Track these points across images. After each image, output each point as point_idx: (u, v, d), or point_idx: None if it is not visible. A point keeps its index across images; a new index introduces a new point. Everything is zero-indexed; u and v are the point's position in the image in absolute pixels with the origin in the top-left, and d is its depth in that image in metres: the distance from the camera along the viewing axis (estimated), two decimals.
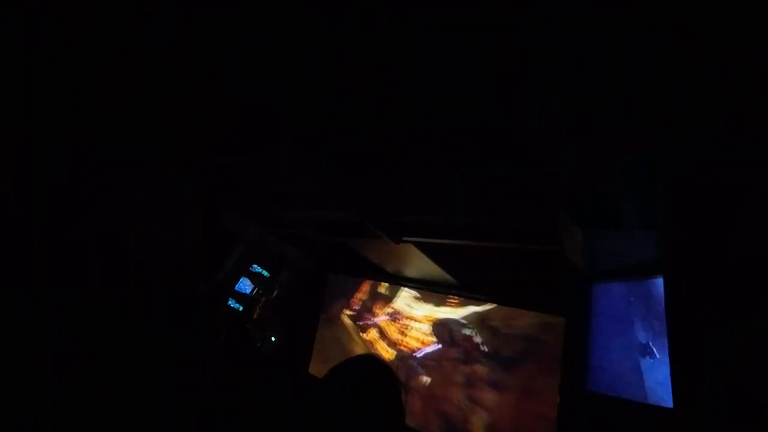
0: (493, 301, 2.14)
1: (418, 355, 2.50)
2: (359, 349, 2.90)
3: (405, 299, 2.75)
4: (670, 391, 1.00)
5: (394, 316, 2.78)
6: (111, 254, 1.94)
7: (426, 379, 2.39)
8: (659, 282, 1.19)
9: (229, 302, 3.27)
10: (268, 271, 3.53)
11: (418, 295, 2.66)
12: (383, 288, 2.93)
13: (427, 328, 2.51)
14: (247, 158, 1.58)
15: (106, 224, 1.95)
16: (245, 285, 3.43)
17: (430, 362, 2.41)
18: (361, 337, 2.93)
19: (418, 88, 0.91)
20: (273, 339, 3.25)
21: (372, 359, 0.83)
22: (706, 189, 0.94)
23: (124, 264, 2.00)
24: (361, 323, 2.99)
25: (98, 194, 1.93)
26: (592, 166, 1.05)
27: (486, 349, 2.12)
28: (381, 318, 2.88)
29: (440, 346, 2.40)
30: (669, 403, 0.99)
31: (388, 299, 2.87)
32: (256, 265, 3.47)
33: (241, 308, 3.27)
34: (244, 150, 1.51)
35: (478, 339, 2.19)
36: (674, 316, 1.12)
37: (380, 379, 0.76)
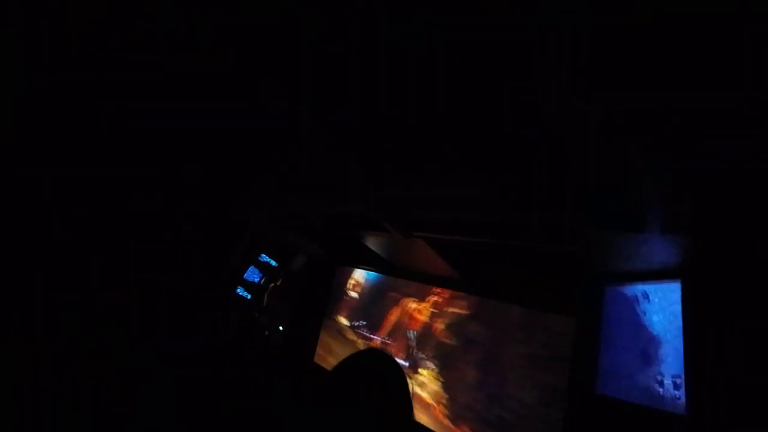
0: (500, 299, 2.13)
1: (423, 352, 2.51)
2: (361, 344, 2.93)
3: (411, 294, 2.76)
4: (683, 398, 0.98)
5: (401, 312, 2.79)
6: (122, 243, 1.97)
7: (432, 377, 2.40)
8: (675, 287, 1.16)
9: (238, 290, 3.33)
10: (277, 261, 3.58)
11: (424, 290, 2.66)
12: (390, 281, 2.93)
13: (435, 325, 2.52)
14: (263, 150, 1.57)
15: (120, 212, 1.98)
16: (254, 274, 3.49)
17: (436, 360, 2.42)
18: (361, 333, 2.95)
19: (440, 78, 0.88)
20: (281, 328, 3.30)
21: (379, 353, 0.83)
22: (731, 196, 0.90)
23: (136, 254, 2.03)
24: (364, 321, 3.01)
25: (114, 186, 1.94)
26: (615, 164, 1.01)
27: (493, 348, 2.11)
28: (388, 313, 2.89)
29: (446, 343, 2.40)
30: (681, 410, 0.97)
31: (393, 294, 2.87)
32: (264, 255, 3.52)
33: (249, 296, 3.33)
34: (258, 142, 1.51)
35: (484, 337, 2.18)
36: (690, 321, 1.09)
37: (387, 374, 0.76)
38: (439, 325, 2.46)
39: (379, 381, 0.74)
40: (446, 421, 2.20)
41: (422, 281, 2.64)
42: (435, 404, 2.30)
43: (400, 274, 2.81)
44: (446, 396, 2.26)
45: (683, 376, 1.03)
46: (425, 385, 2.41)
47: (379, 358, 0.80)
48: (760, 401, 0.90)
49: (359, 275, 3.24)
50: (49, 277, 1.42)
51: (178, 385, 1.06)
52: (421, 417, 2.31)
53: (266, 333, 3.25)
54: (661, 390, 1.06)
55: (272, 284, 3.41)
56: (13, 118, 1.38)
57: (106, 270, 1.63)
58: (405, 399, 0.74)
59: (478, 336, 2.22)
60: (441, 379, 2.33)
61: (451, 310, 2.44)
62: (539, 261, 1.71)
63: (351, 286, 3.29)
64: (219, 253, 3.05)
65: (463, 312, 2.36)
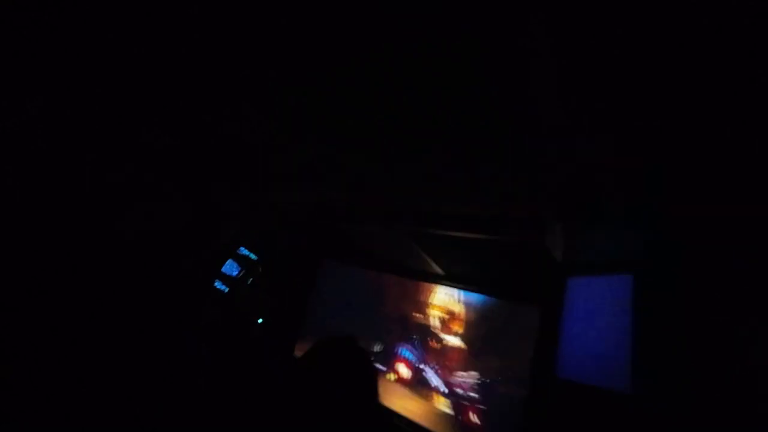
0: (475, 291, 2.22)
1: (399, 344, 2.57)
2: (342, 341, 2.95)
3: (392, 288, 2.81)
4: (629, 377, 1.08)
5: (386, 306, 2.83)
6: (100, 235, 1.91)
7: (404, 369, 2.46)
8: (627, 279, 1.27)
9: (216, 284, 3.28)
10: (256, 254, 3.54)
11: (405, 283, 2.72)
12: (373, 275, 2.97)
13: (413, 316, 2.58)
14: (243, 131, 1.57)
15: (95, 198, 1.92)
16: (232, 267, 3.44)
17: (414, 349, 2.49)
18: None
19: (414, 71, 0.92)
20: (260, 321, 3.27)
21: (344, 340, 0.86)
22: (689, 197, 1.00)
23: (113, 245, 1.97)
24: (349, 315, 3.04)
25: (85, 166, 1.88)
26: (587, 157, 1.10)
27: (463, 337, 2.20)
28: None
29: (419, 334, 2.47)
30: (627, 389, 1.07)
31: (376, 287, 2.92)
32: (243, 248, 3.47)
33: (227, 290, 3.29)
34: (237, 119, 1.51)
35: (455, 326, 2.27)
36: (638, 311, 1.20)
37: (351, 358, 0.80)
38: (418, 316, 2.53)
39: (344, 366, 0.78)
40: (412, 405, 2.27)
41: (404, 275, 2.70)
42: (410, 393, 2.37)
43: (383, 268, 2.86)
44: (412, 382, 2.33)
45: (631, 359, 1.14)
46: (400, 372, 2.47)
47: (345, 344, 0.84)
48: (694, 377, 1.00)
49: (343, 272, 3.26)
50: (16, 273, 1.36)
51: (152, 379, 1.06)
52: (393, 402, 2.36)
53: (243, 327, 3.22)
54: (612, 372, 1.16)
55: (251, 278, 3.38)
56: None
57: (77, 265, 1.58)
58: (369, 381, 0.78)
59: (446, 324, 2.30)
60: (416, 367, 2.40)
61: (429, 301, 2.51)
62: (510, 254, 1.80)
63: (333, 282, 3.30)
64: (196, 246, 2.99)
65: (442, 304, 2.43)
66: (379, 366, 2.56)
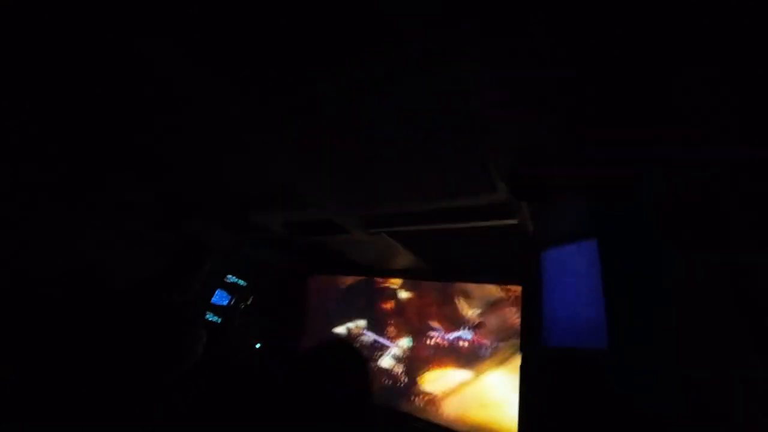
0: (460, 280, 2.29)
1: (396, 342, 2.61)
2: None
3: (385, 292, 2.85)
4: (604, 335, 1.17)
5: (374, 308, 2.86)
6: (78, 278, 1.87)
7: (398, 363, 2.50)
8: (593, 243, 1.36)
9: (207, 316, 3.22)
10: (245, 280, 3.50)
11: (399, 284, 2.77)
12: (363, 282, 3.00)
13: (408, 311, 2.62)
14: (206, 160, 1.59)
15: (71, 246, 1.88)
16: (222, 297, 3.38)
17: (408, 342, 2.53)
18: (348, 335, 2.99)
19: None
20: (258, 346, 3.23)
21: (340, 342, 0.90)
22: (619, 153, 1.10)
23: (94, 286, 1.93)
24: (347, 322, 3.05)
25: (57, 213, 1.83)
26: (529, 142, 1.18)
27: (458, 324, 2.27)
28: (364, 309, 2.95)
29: (412, 330, 2.51)
30: (603, 345, 1.16)
31: (369, 293, 2.95)
32: (231, 276, 3.42)
33: (219, 320, 3.23)
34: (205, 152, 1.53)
35: (451, 314, 2.33)
36: (606, 272, 1.29)
37: (346, 357, 0.84)
38: (410, 311, 2.57)
39: (338, 363, 0.82)
40: (410, 394, 2.31)
41: (392, 276, 2.75)
42: (404, 388, 2.40)
43: (371, 273, 2.89)
44: (413, 370, 2.37)
45: (605, 318, 1.23)
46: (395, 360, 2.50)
47: (339, 346, 0.87)
48: (666, 328, 1.09)
49: (332, 282, 3.28)
50: None
51: (151, 383, 1.06)
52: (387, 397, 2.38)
53: (239, 355, 3.17)
54: (588, 332, 1.25)
55: (242, 304, 3.33)
56: None
57: (62, 303, 1.54)
58: (363, 378, 0.82)
59: (442, 317, 2.36)
60: (410, 357, 2.44)
61: (417, 295, 2.57)
62: (488, 238, 1.89)
63: (326, 293, 3.31)
64: (179, 279, 2.93)
65: (429, 295, 2.49)
66: (375, 364, 2.59)
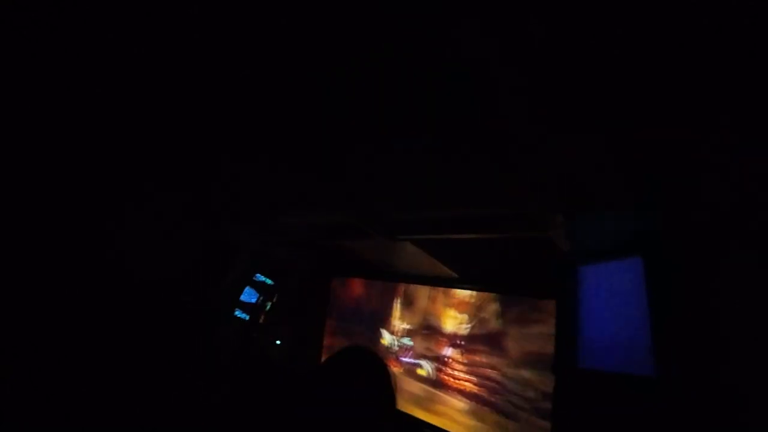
0: (489, 291, 2.22)
1: (419, 352, 2.57)
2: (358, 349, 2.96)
3: (409, 297, 2.82)
4: (652, 361, 1.07)
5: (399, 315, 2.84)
6: (113, 273, 1.98)
7: (429, 372, 2.46)
8: (638, 261, 1.26)
9: (236, 312, 3.35)
10: (272, 279, 3.61)
11: (419, 291, 2.73)
12: (389, 288, 2.99)
13: (430, 323, 2.58)
14: (242, 166, 1.64)
15: (109, 242, 2.00)
16: (250, 295, 3.51)
17: (432, 356, 2.48)
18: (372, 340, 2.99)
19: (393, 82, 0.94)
20: (278, 342, 3.32)
21: (362, 349, 0.88)
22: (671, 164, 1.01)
23: (128, 282, 2.04)
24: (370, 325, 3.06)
25: (98, 212, 1.95)
26: (571, 154, 1.12)
27: (484, 338, 2.19)
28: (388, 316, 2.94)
29: (440, 339, 2.47)
30: (650, 372, 1.06)
31: (393, 299, 2.94)
32: (259, 275, 3.54)
33: (247, 317, 3.35)
34: (238, 159, 1.58)
35: (476, 329, 2.26)
36: (653, 292, 1.19)
37: (370, 367, 0.81)
38: (435, 320, 2.53)
39: (362, 374, 0.79)
40: (443, 407, 2.25)
41: (416, 282, 2.72)
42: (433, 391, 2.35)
43: (394, 279, 2.88)
44: (441, 384, 2.31)
45: (652, 342, 1.13)
46: (422, 376, 2.46)
47: (361, 353, 0.85)
48: (721, 355, 0.99)
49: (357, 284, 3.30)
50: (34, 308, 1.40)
51: (180, 406, 1.09)
52: (413, 409, 2.35)
53: (265, 352, 3.26)
54: (633, 357, 1.15)
55: (269, 302, 3.43)
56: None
57: (98, 296, 1.64)
58: (387, 390, 0.79)
59: (467, 327, 2.29)
60: (437, 370, 2.39)
61: (445, 306, 2.52)
62: (518, 250, 1.81)
63: (348, 295, 3.33)
64: (214, 277, 3.07)
65: (458, 306, 2.43)
66: (398, 371, 2.56)
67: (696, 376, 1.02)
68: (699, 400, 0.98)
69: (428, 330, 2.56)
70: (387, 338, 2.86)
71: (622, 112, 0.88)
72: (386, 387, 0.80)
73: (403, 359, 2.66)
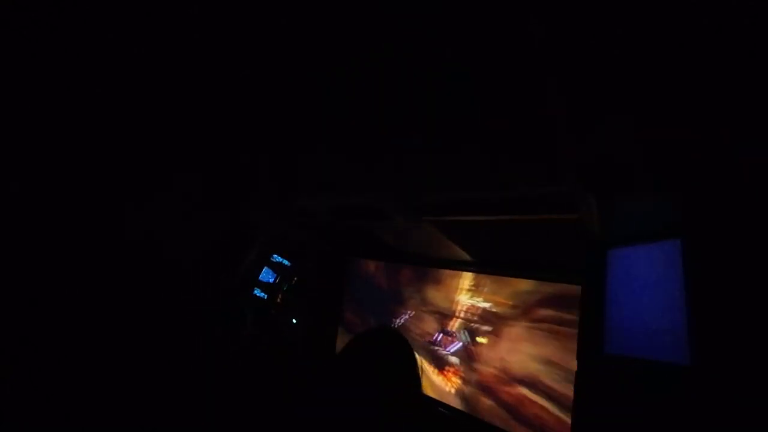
0: (511, 275, 2.18)
1: (440, 338, 2.58)
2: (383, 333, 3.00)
3: (427, 281, 2.82)
4: (686, 348, 1.03)
5: (420, 300, 2.85)
6: (139, 250, 2.02)
7: (453, 358, 2.47)
8: (675, 244, 1.19)
9: (255, 291, 3.45)
10: (289, 260, 3.67)
11: (438, 275, 2.72)
12: (406, 270, 3.00)
13: (446, 308, 2.58)
14: (262, 150, 1.64)
15: (133, 222, 2.05)
16: (268, 274, 3.60)
17: (454, 341, 2.49)
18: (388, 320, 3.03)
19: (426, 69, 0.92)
20: (294, 321, 3.42)
21: (387, 331, 0.86)
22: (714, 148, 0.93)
23: (152, 259, 2.09)
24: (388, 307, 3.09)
25: (121, 193, 1.99)
26: (606, 136, 1.05)
27: (507, 322, 2.17)
28: (406, 302, 2.96)
29: (466, 321, 2.46)
30: (685, 360, 1.02)
31: (412, 282, 2.94)
32: (276, 255, 3.62)
33: (265, 296, 3.45)
34: (258, 142, 1.57)
35: (498, 312, 2.24)
36: (691, 277, 1.13)
37: (395, 349, 0.80)
38: (457, 306, 2.52)
39: (386, 357, 0.77)
40: (467, 390, 2.28)
41: (435, 266, 2.70)
42: (454, 376, 2.38)
43: (413, 261, 2.87)
44: (467, 369, 2.33)
45: (687, 329, 1.08)
46: (449, 361, 2.49)
47: (386, 335, 0.83)
48: (756, 349, 0.94)
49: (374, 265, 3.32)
50: (58, 285, 1.44)
51: (199, 387, 1.10)
52: (438, 390, 2.38)
53: (282, 330, 3.37)
54: (666, 343, 1.11)
55: (286, 283, 3.52)
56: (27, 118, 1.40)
57: (121, 278, 1.68)
58: (413, 373, 0.77)
59: (490, 311, 2.28)
60: (459, 352, 2.40)
61: (466, 290, 2.50)
62: (543, 233, 1.75)
63: (366, 277, 3.36)
64: (233, 256, 3.15)
65: (478, 291, 2.41)
66: (420, 356, 2.59)
67: (734, 367, 0.97)
68: (736, 391, 0.94)
69: (440, 314, 2.57)
70: (402, 319, 2.89)
71: (660, 95, 0.81)
72: (411, 371, 0.78)
73: (421, 340, 2.69)
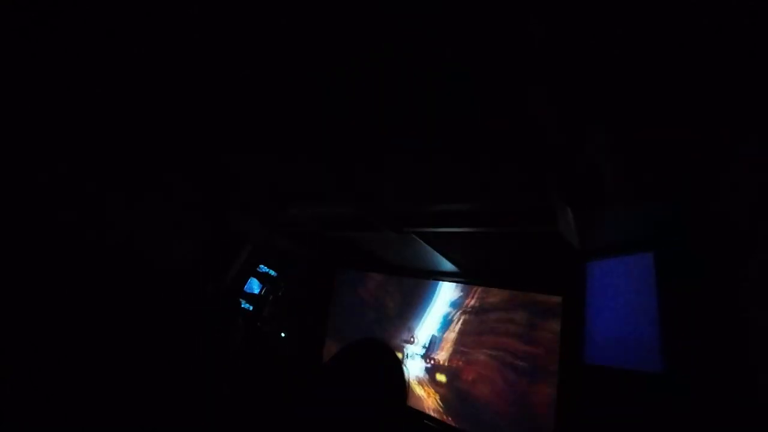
0: (494, 286, 2.21)
1: (426, 344, 2.57)
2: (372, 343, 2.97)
3: (413, 290, 2.82)
4: (660, 357, 1.06)
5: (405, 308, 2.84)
6: (123, 255, 1.98)
7: (434, 364, 2.46)
8: (648, 257, 1.24)
9: (241, 303, 3.37)
10: (276, 270, 3.62)
11: (421, 284, 2.73)
12: (393, 280, 2.99)
13: (434, 318, 2.58)
14: (249, 158, 1.64)
15: (118, 226, 2.00)
16: (254, 285, 3.53)
17: (439, 350, 2.48)
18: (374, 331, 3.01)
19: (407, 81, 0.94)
20: (283, 335, 3.34)
21: (374, 342, 0.86)
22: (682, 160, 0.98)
23: (136, 264, 2.04)
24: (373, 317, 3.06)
25: (107, 196, 1.95)
26: (582, 147, 1.09)
27: (490, 332, 2.19)
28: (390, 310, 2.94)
29: (446, 333, 2.47)
30: (658, 368, 1.05)
31: (399, 291, 2.93)
32: (263, 266, 3.56)
33: (251, 308, 3.37)
34: (245, 150, 1.57)
35: (483, 323, 2.25)
36: (663, 289, 1.17)
37: (382, 361, 0.80)
38: (437, 314, 2.53)
39: (373, 368, 0.77)
40: (443, 405, 2.26)
41: (420, 277, 2.71)
42: (433, 391, 2.36)
43: (398, 272, 2.87)
44: (441, 380, 2.32)
45: (660, 339, 1.11)
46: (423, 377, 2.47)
47: (373, 347, 0.83)
48: (724, 357, 0.97)
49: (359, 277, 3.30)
50: (38, 296, 1.39)
51: (186, 401, 1.07)
52: (417, 403, 2.36)
53: (269, 342, 3.29)
54: (641, 352, 1.14)
55: (273, 294, 3.45)
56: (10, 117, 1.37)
57: (107, 277, 1.64)
58: (399, 385, 0.77)
59: (473, 321, 2.29)
60: (439, 364, 2.39)
61: (449, 300, 2.51)
62: (526, 244, 1.79)
63: (352, 287, 3.34)
64: (219, 267, 3.09)
65: (460, 301, 2.43)
66: (406, 367, 2.56)
67: (706, 374, 1.00)
68: (708, 397, 0.97)
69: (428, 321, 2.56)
70: (390, 330, 2.87)
71: (634, 108, 0.86)
72: (397, 383, 0.78)
73: (406, 350, 2.68)
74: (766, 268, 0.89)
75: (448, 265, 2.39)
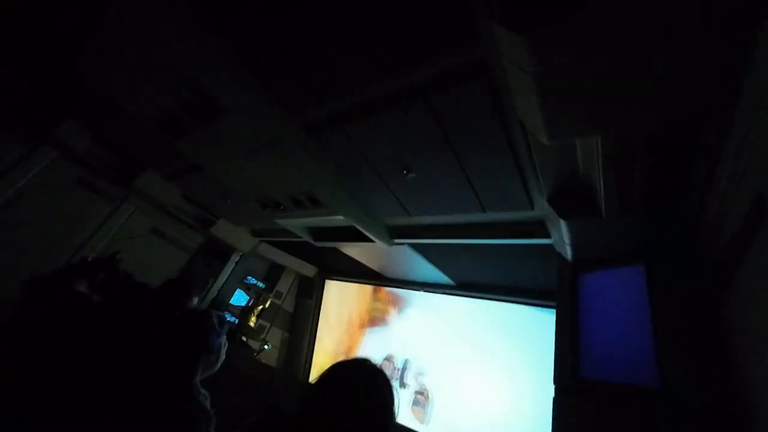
0: (486, 297, 2.19)
1: (419, 356, 2.53)
2: (360, 352, 2.91)
3: (406, 301, 2.78)
4: (655, 371, 1.05)
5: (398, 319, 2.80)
6: (110, 267, 1.91)
7: (428, 380, 2.41)
8: (639, 269, 1.25)
9: (227, 316, 3.26)
10: (264, 282, 3.54)
11: (417, 295, 2.69)
12: (383, 291, 2.95)
13: (425, 329, 2.54)
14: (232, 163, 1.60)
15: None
16: (241, 297, 3.43)
17: (432, 361, 2.44)
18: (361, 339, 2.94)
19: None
20: (266, 347, 3.24)
21: (362, 361, 0.84)
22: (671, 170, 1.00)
23: (122, 284, 1.97)
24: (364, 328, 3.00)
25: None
26: (572, 158, 1.11)
27: (483, 344, 2.16)
28: (383, 321, 2.89)
29: (439, 344, 2.43)
30: (655, 383, 1.04)
31: (388, 302, 2.89)
32: (251, 277, 3.47)
33: (236, 321, 3.26)
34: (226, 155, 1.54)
35: (475, 334, 2.23)
36: (656, 301, 1.18)
37: (370, 379, 0.78)
38: (430, 327, 2.49)
39: (362, 386, 0.76)
40: (439, 417, 2.20)
41: (410, 287, 2.68)
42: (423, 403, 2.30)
43: (389, 283, 2.84)
44: (440, 392, 2.27)
45: (655, 352, 1.11)
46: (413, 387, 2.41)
47: (362, 366, 0.82)
48: (726, 367, 0.97)
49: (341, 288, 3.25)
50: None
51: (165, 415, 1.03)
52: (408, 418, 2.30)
53: (255, 354, 3.18)
54: (636, 366, 1.13)
55: (261, 306, 3.36)
56: None
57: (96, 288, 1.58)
58: (387, 403, 0.76)
59: (469, 334, 2.26)
60: (433, 378, 2.34)
61: (440, 311, 2.48)
62: (520, 256, 1.79)
63: (343, 299, 3.28)
64: (204, 278, 2.99)
65: (453, 312, 2.40)
66: (397, 383, 2.50)
67: (701, 387, 1.00)
68: (703, 411, 0.96)
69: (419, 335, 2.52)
70: (378, 342, 2.81)
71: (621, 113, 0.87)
72: (386, 401, 0.77)
73: (396, 364, 2.61)
74: (755, 279, 0.91)
75: (442, 277, 2.38)
